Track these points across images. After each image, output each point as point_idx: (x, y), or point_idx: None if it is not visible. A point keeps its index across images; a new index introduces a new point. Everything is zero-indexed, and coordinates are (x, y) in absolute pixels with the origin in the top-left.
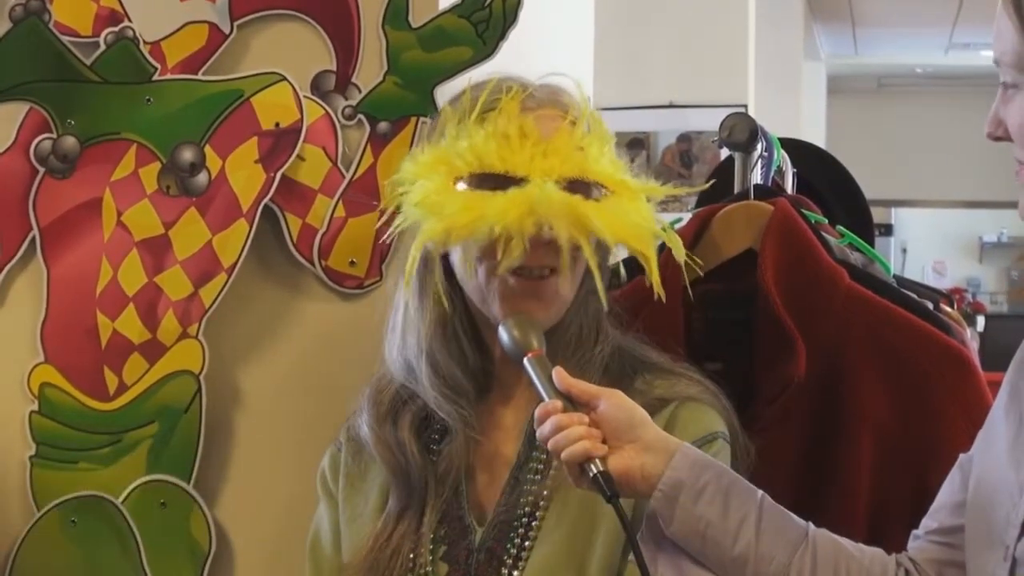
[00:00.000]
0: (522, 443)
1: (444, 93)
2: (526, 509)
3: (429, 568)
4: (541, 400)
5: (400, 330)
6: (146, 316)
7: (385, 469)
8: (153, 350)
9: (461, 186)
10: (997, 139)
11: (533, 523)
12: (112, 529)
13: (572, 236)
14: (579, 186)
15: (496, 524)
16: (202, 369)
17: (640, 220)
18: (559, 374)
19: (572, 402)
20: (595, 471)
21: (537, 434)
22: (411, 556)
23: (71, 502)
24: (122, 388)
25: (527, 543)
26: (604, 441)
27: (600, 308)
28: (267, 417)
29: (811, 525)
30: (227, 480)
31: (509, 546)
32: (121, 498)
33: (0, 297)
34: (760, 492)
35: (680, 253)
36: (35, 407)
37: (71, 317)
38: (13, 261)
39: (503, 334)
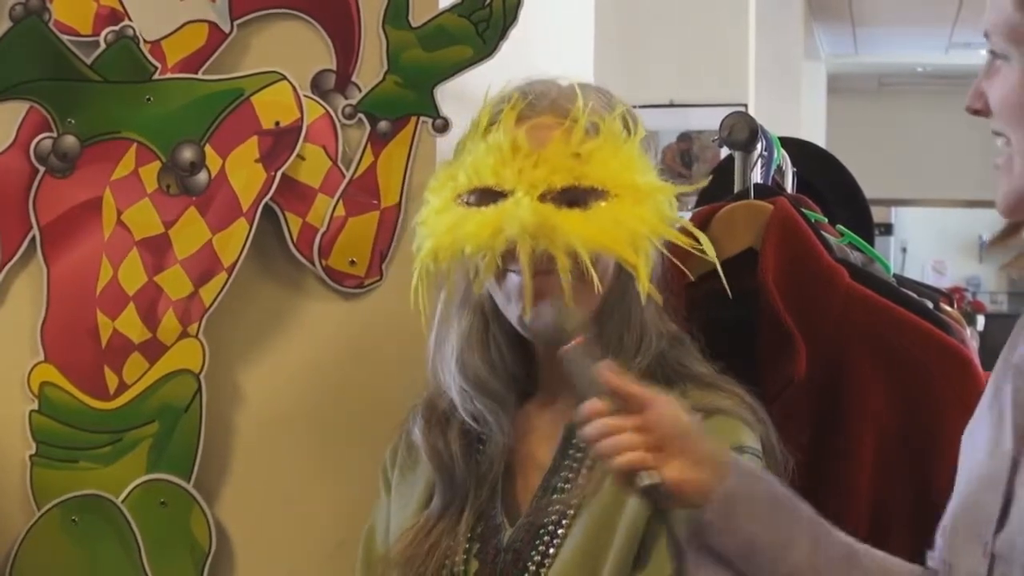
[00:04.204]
0: (557, 448)
1: (444, 92)
2: (553, 517)
3: (462, 566)
4: (582, 396)
5: (440, 341)
6: (146, 315)
7: (432, 469)
8: (153, 349)
9: (462, 202)
10: (976, 112)
11: (559, 530)
12: (112, 528)
13: (542, 251)
14: (572, 195)
15: (524, 526)
16: (202, 368)
17: (636, 224)
18: (607, 371)
19: (619, 401)
20: (647, 483)
21: (580, 433)
22: (447, 552)
23: (71, 501)
24: (122, 387)
25: (551, 549)
26: (652, 448)
27: (646, 317)
28: (267, 416)
29: (855, 541)
30: (227, 479)
31: (534, 553)
32: (121, 497)
33: (0, 296)
34: (808, 507)
35: (711, 252)
36: (35, 406)
37: (71, 316)
38: (13, 260)
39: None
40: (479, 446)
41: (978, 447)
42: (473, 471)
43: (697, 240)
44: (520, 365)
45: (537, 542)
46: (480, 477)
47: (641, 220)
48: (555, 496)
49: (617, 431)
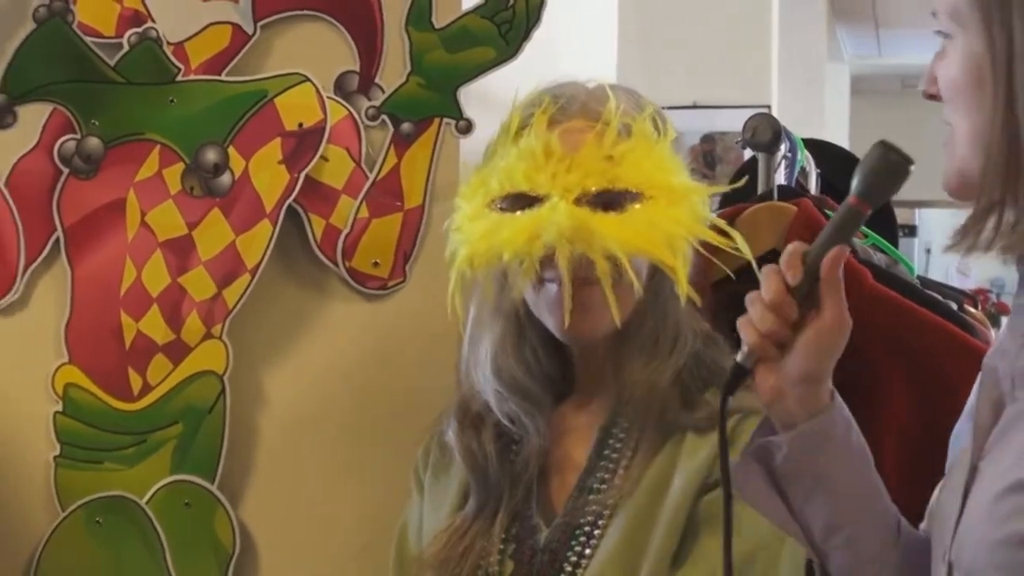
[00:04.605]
0: (592, 449)
1: (467, 94)
2: (589, 518)
3: (497, 567)
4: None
5: (474, 343)
6: (170, 317)
7: (466, 470)
8: (177, 351)
9: (495, 208)
10: (931, 97)
11: (596, 531)
12: (137, 529)
13: (580, 255)
14: (607, 198)
15: (561, 527)
16: (226, 369)
17: (672, 226)
18: (829, 261)
19: (810, 284)
20: (739, 359)
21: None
22: (481, 554)
23: (96, 502)
24: (146, 388)
25: (587, 551)
26: (780, 340)
27: (680, 317)
28: (291, 417)
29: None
30: (251, 480)
31: (570, 553)
32: (145, 498)
33: (24, 298)
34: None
35: (745, 250)
36: (59, 407)
37: (95, 318)
38: (37, 261)
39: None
40: (514, 447)
41: (954, 450)
42: (508, 472)
43: (731, 238)
44: (555, 366)
45: (573, 543)
46: (515, 478)
47: (676, 221)
48: (591, 496)
49: (772, 307)
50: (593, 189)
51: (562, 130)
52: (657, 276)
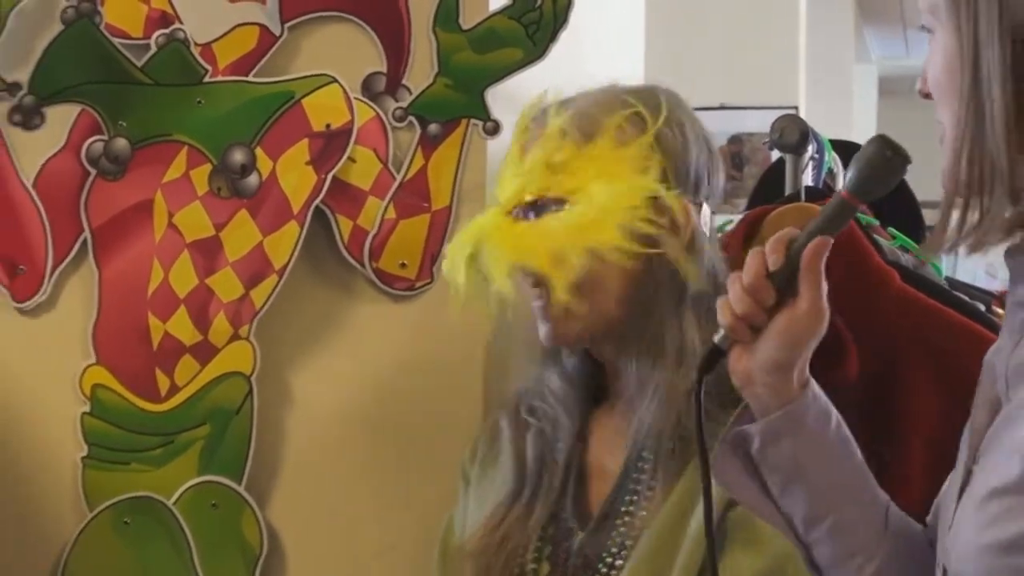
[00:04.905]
0: (625, 457)
1: (495, 95)
2: (621, 529)
3: (534, 564)
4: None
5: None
6: (197, 317)
7: (510, 459)
8: (204, 351)
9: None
10: (925, 96)
11: (627, 541)
12: (164, 530)
13: (498, 264)
14: (539, 206)
15: (593, 533)
16: (253, 370)
17: (569, 235)
18: (811, 251)
19: (791, 272)
20: (715, 340)
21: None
22: (517, 549)
23: (123, 503)
24: (173, 389)
25: (619, 561)
26: (755, 323)
27: (683, 322)
28: (318, 418)
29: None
30: (278, 481)
31: (600, 565)
32: (173, 499)
33: (52, 298)
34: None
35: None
36: (87, 408)
37: (122, 318)
38: (65, 262)
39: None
40: (557, 446)
41: (960, 452)
42: (547, 469)
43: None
44: (588, 371)
45: (604, 554)
46: (552, 476)
47: (579, 229)
48: (623, 509)
49: (749, 292)
50: (527, 198)
51: (531, 138)
52: (649, 278)
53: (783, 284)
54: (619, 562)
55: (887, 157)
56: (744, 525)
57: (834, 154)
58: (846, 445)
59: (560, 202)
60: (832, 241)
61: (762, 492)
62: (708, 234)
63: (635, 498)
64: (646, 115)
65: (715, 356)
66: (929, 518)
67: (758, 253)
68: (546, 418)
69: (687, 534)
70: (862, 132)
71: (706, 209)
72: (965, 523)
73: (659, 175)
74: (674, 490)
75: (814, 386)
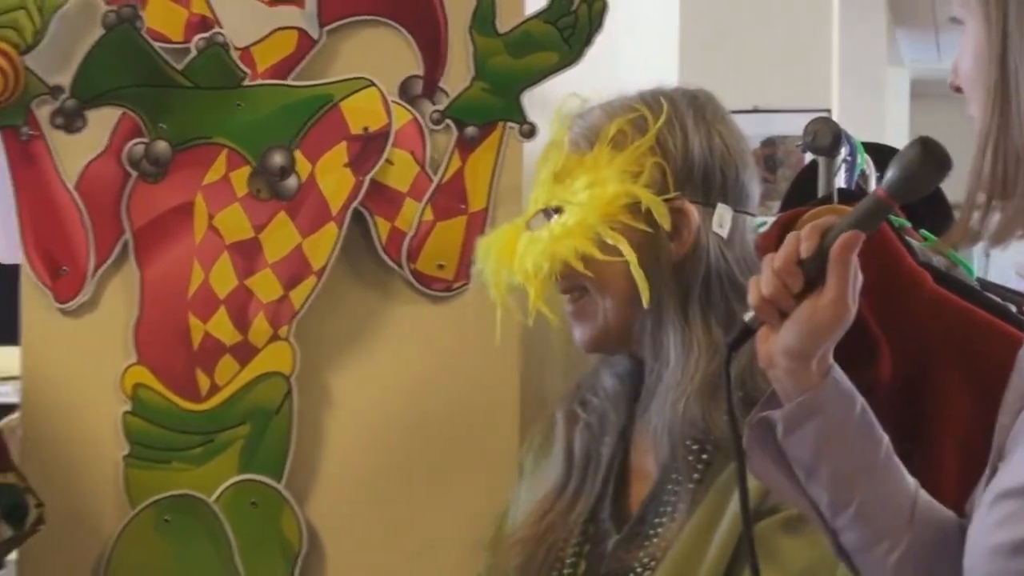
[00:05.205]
0: (662, 463)
1: (531, 98)
2: (653, 537)
3: (572, 559)
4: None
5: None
6: (237, 318)
7: (560, 452)
8: (244, 352)
9: None
10: (956, 90)
11: (657, 552)
12: (205, 527)
13: (495, 273)
14: (547, 215)
15: (627, 536)
16: (293, 371)
17: (537, 246)
18: (841, 243)
19: (821, 261)
20: (746, 318)
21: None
22: (559, 542)
23: (164, 501)
24: (214, 389)
25: (652, 562)
26: (783, 306)
27: (691, 331)
28: (357, 417)
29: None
30: (318, 480)
31: (636, 565)
32: (213, 497)
33: (94, 299)
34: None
35: (632, 262)
36: (128, 407)
37: (163, 319)
38: (107, 264)
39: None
40: (599, 444)
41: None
42: (592, 466)
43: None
44: (638, 372)
45: (641, 552)
46: (595, 473)
47: (552, 239)
48: (655, 519)
49: (778, 277)
50: (540, 208)
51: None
52: (651, 279)
53: (812, 272)
54: (652, 563)
55: (929, 162)
56: (766, 540)
57: (867, 156)
58: (871, 431)
59: (559, 211)
60: (864, 236)
61: (789, 478)
62: (724, 235)
63: (672, 502)
64: (648, 117)
65: (744, 334)
66: (964, 520)
67: (793, 237)
68: (595, 413)
69: (712, 543)
70: (894, 135)
71: (722, 209)
72: (977, 523)
73: (655, 178)
74: (704, 500)
75: (836, 372)
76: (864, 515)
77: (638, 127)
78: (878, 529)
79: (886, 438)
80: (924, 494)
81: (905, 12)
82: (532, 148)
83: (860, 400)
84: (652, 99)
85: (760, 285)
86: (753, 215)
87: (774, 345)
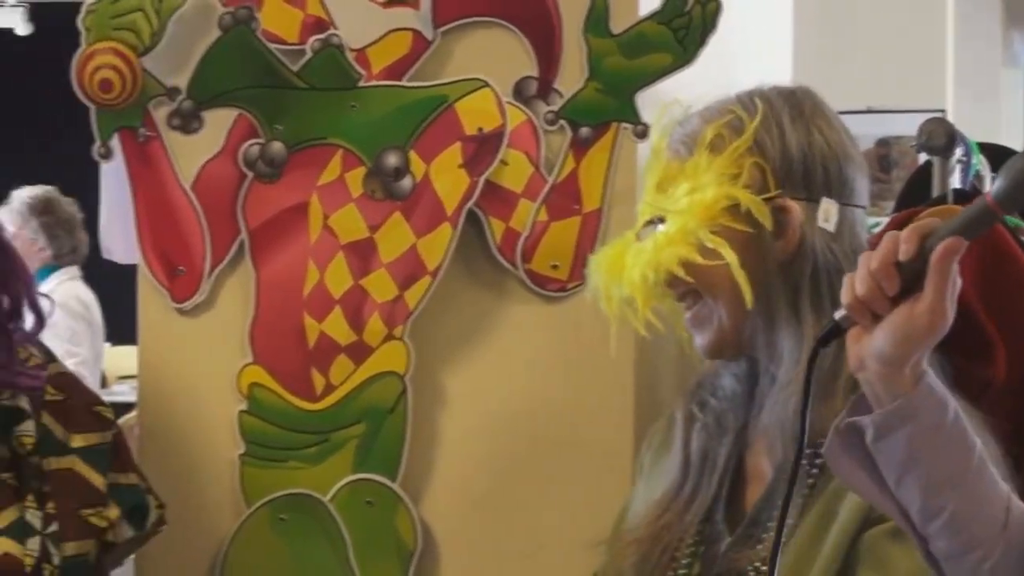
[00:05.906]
0: (776, 467)
1: (644, 98)
2: (764, 541)
3: (687, 560)
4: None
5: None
6: (352, 318)
7: (679, 451)
8: (359, 351)
9: None
10: None
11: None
12: (320, 526)
13: (604, 284)
14: (652, 225)
15: (740, 538)
16: (407, 370)
17: (631, 256)
18: (942, 250)
19: (921, 266)
20: (837, 315)
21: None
22: (674, 542)
23: (280, 499)
24: (329, 388)
25: (766, 567)
26: (876, 308)
27: (803, 331)
28: (470, 417)
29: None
30: (432, 479)
31: (748, 568)
32: (328, 496)
33: (211, 299)
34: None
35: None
36: (244, 407)
37: (279, 319)
38: (223, 264)
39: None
40: (716, 444)
41: None
42: (709, 467)
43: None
44: (756, 376)
45: (753, 555)
46: (711, 474)
47: (655, 248)
48: (778, 503)
49: (874, 278)
50: (646, 219)
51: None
52: (760, 280)
53: (910, 276)
54: (763, 567)
55: None
56: (874, 548)
57: (982, 157)
58: (963, 438)
59: (663, 221)
60: (966, 244)
61: (877, 483)
62: (832, 229)
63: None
64: (744, 118)
65: (834, 332)
66: None
67: (893, 237)
68: (712, 414)
69: (822, 551)
70: (1010, 136)
71: (827, 203)
72: None
73: (755, 178)
74: (815, 506)
75: (930, 378)
76: (956, 524)
77: (735, 129)
78: (970, 538)
79: (979, 443)
80: (1018, 501)
81: (1021, 14)
82: (646, 148)
83: (953, 405)
84: (748, 100)
85: (855, 284)
86: (863, 207)
87: (865, 348)
